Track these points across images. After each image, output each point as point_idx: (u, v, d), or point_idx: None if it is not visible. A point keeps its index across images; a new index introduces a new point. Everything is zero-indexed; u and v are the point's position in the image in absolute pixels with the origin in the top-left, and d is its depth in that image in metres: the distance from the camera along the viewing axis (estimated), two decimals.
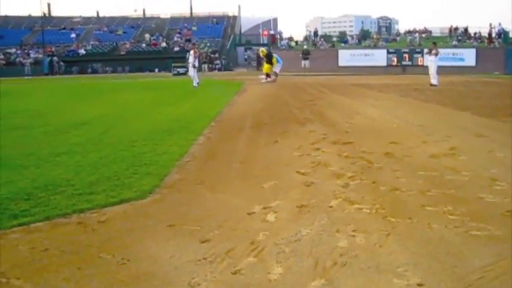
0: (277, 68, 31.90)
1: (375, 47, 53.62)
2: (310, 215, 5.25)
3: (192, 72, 28.04)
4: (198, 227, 4.90)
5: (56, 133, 11.00)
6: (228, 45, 60.71)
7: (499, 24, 51.85)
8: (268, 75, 31.32)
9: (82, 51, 59.28)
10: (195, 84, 27.31)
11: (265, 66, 31.90)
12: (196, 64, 28.54)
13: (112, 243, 4.58)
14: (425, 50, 30.64)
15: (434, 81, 26.15)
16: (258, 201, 5.71)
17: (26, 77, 48.64)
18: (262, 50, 33.28)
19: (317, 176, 6.86)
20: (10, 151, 9.01)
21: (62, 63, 56.44)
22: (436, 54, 27.20)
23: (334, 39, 69.76)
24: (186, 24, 67.66)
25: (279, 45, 57.25)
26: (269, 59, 31.72)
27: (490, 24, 52.51)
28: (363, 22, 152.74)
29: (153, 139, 9.81)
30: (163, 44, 60.82)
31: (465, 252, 4.20)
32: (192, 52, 29.45)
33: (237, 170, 7.41)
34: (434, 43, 30.04)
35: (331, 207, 5.49)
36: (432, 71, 26.81)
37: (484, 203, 5.59)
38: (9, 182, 6.70)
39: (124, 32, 65.85)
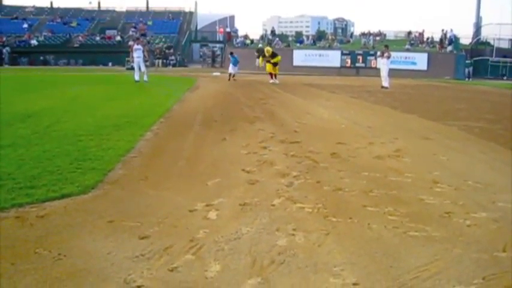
0: (233, 69, 31.31)
1: (330, 48, 54.14)
2: (252, 213, 5.27)
3: (143, 66, 27.60)
4: (138, 224, 4.86)
5: (0, 125, 10.71)
6: (183, 41, 60.38)
7: (451, 30, 53.10)
8: (273, 75, 29.72)
9: (34, 42, 57.99)
10: (144, 78, 26.97)
11: (268, 66, 29.93)
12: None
13: (49, 238, 4.49)
14: (378, 53, 30.96)
15: (385, 83, 26.59)
16: (201, 199, 5.70)
17: None
18: (268, 49, 30.89)
19: (262, 175, 6.89)
20: None
21: (14, 54, 55.08)
22: (388, 57, 27.65)
23: (290, 38, 70.09)
24: (141, 19, 67.01)
25: (234, 43, 57.22)
26: (273, 58, 29.97)
27: (442, 30, 53.75)
28: (319, 23, 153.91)
29: (100, 134, 9.67)
30: (118, 38, 60.05)
31: (402, 252, 4.28)
32: (140, 45, 28.86)
33: (182, 167, 7.37)
34: (386, 46, 30.54)
35: (273, 205, 5.52)
36: (384, 73, 27.24)
37: (424, 204, 5.71)
38: None
39: (78, 24, 64.74)
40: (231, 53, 33.33)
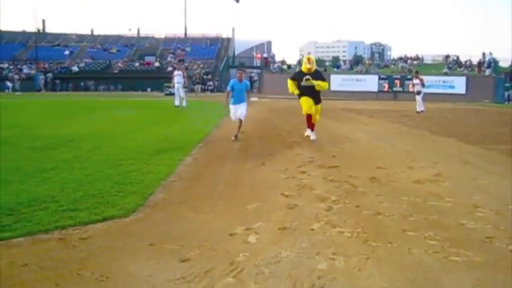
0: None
1: (367, 72, 54.01)
2: (291, 237, 5.27)
3: (182, 92, 28.04)
4: (178, 246, 4.91)
5: (44, 149, 10.97)
6: (221, 67, 60.99)
7: (490, 53, 52.39)
8: (312, 120, 14.14)
9: (75, 69, 59.37)
10: (183, 103, 27.41)
11: (306, 102, 13.85)
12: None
13: (92, 260, 4.58)
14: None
15: (419, 108, 26.38)
16: (241, 223, 5.73)
17: (17, 93, 48.51)
18: (309, 58, 14.45)
19: (301, 199, 6.90)
20: None
21: (57, 80, 56.45)
22: (419, 83, 27.43)
23: (327, 63, 70.20)
24: (179, 45, 68.01)
25: (271, 68, 57.53)
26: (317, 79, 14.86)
27: (483, 54, 53.00)
28: (356, 48, 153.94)
29: (140, 158, 9.82)
30: (157, 64, 61.01)
31: (443, 277, 4.24)
32: (179, 71, 29.46)
33: (221, 191, 7.43)
34: (417, 72, 30.33)
35: (312, 230, 5.52)
36: (417, 98, 27.08)
37: (464, 229, 5.63)
38: None
39: (118, 51, 66.09)
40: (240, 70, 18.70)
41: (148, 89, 55.33)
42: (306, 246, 4.97)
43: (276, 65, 59.49)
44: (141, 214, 6.14)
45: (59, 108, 26.57)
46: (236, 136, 13.34)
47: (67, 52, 64.05)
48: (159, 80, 51.91)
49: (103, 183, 7.61)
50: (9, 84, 52.86)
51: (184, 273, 4.26)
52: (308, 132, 13.64)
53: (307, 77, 13.32)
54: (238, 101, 13.48)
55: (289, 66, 59.10)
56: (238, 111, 13.46)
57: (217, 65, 61.89)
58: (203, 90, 53.14)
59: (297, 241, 5.13)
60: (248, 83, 14.45)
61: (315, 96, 13.55)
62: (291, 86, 13.90)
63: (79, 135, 13.60)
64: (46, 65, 58.95)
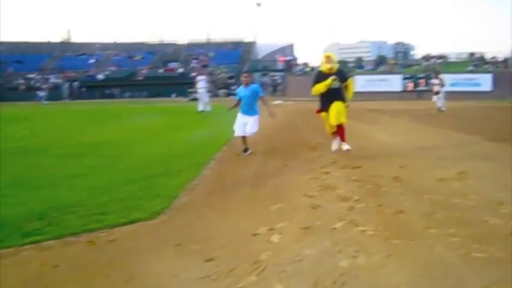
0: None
1: (391, 72, 53.75)
2: (313, 236, 5.35)
3: (206, 97, 28.26)
4: (203, 247, 5.03)
5: (71, 156, 11.23)
6: (244, 71, 61.20)
7: None
8: (341, 131, 11.49)
9: (100, 77, 60.10)
10: (208, 108, 27.64)
11: (335, 109, 11.11)
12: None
13: (119, 261, 4.73)
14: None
15: (440, 105, 26.23)
16: (264, 223, 5.82)
17: (45, 102, 49.26)
18: (328, 55, 11.70)
19: (324, 199, 6.96)
20: (26, 173, 9.27)
21: (83, 89, 57.24)
22: (439, 83, 27.27)
23: (351, 64, 69.97)
24: (202, 50, 68.42)
25: (294, 71, 57.58)
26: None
27: None
28: (379, 48, 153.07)
29: (165, 162, 10.00)
30: (180, 70, 61.44)
31: (465, 273, 4.27)
32: (202, 76, 29.67)
33: (244, 193, 7.53)
34: (436, 72, 30.15)
35: (335, 229, 5.59)
36: (435, 98, 26.99)
37: (488, 225, 5.64)
38: (24, 202, 6.93)
39: (142, 58, 66.70)
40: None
41: (173, 95, 55.74)
42: (328, 245, 5.04)
43: (299, 68, 59.53)
44: (167, 216, 6.28)
45: (85, 116, 26.97)
46: (246, 150, 11.28)
47: (92, 61, 64.91)
48: (183, 86, 52.27)
49: (129, 188, 7.77)
50: (40, 94, 53.60)
51: (208, 272, 4.38)
52: (341, 143, 11.06)
53: (333, 77, 10.93)
54: (246, 111, 11.40)
55: (312, 69, 59.08)
56: (244, 124, 11.34)
57: (240, 69, 62.13)
58: (227, 95, 53.39)
59: (320, 240, 5.21)
60: (257, 87, 11.78)
61: (341, 96, 11.13)
62: (319, 88, 11.05)
63: (105, 142, 13.84)
64: (72, 74, 59.77)
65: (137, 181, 8.29)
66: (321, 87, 11.06)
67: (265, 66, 64.25)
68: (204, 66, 60.24)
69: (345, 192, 7.33)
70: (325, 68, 11.17)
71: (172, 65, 63.79)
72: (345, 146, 10.90)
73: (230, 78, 58.80)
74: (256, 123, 11.38)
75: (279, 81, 58.74)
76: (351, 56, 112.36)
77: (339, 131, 11.04)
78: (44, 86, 55.84)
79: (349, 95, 11.26)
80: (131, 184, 8.07)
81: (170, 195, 7.26)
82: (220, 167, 9.78)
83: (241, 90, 11.55)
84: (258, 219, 6.05)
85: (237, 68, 62.36)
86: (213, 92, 40.28)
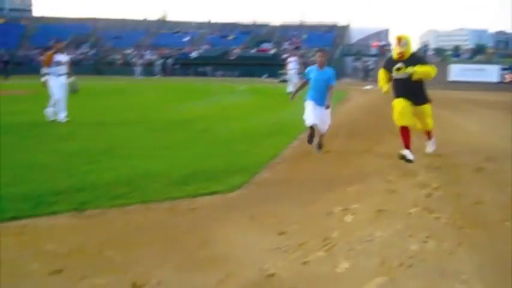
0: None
1: (488, 62, 51.70)
2: (387, 219, 5.41)
3: (296, 79, 28.33)
4: (277, 221, 5.21)
5: (160, 129, 11.77)
6: (336, 55, 60.71)
7: None
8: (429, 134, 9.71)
9: (194, 55, 61.30)
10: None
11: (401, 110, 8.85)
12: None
13: (197, 228, 5.01)
14: None
15: None
16: (339, 203, 5.94)
17: (139, 77, 50.92)
18: (403, 37, 9.05)
19: (402, 185, 6.98)
20: (117, 143, 9.80)
21: (176, 66, 58.66)
22: None
23: (448, 52, 67.80)
24: (295, 32, 68.31)
25: (387, 56, 56.51)
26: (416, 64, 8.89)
27: None
28: (478, 36, 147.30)
29: (250, 140, 10.25)
30: (273, 51, 61.71)
31: None
32: (294, 58, 29.65)
33: (324, 173, 7.66)
34: None
35: (409, 214, 5.63)
36: None
37: None
38: (113, 169, 7.39)
39: (235, 38, 67.42)
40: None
41: (264, 76, 56.10)
42: (400, 229, 5.10)
43: (392, 54, 58.35)
44: (246, 190, 6.52)
45: (177, 92, 27.73)
46: (319, 145, 9.45)
47: (186, 39, 66.24)
48: (275, 67, 52.42)
49: (212, 162, 8.08)
50: (137, 69, 55.35)
51: (279, 244, 4.56)
52: (405, 152, 8.56)
53: (399, 65, 8.72)
54: (317, 99, 9.37)
55: None
56: (317, 114, 9.28)
57: (332, 53, 61.69)
58: None
59: (392, 223, 5.27)
60: (333, 72, 9.59)
61: (416, 92, 8.86)
62: (380, 78, 9.35)
63: (194, 117, 14.29)
64: (166, 51, 61.34)
65: (221, 156, 8.59)
66: (381, 82, 9.23)
67: (358, 51, 63.27)
68: (296, 48, 60.11)
69: (425, 179, 7.31)
70: (395, 53, 9.02)
71: (264, 45, 64.07)
72: (406, 154, 8.50)
73: None
74: (328, 115, 9.50)
75: (371, 66, 57.76)
76: (448, 44, 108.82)
77: (402, 134, 8.77)
78: (139, 62, 57.58)
79: (421, 72, 8.59)
80: (215, 158, 8.38)
81: (251, 171, 7.49)
82: (303, 147, 9.90)
83: (314, 72, 9.47)
84: (333, 199, 6.17)
85: (329, 51, 61.86)
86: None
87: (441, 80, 41.90)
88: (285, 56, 46.68)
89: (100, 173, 7.16)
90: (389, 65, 9.02)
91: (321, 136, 9.52)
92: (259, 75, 55.79)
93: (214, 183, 6.68)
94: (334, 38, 65.70)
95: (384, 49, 57.63)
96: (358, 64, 59.41)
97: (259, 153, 8.92)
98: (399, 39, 8.92)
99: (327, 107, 9.35)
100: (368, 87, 38.70)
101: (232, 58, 60.98)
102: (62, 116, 12.82)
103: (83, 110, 14.32)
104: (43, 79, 12.98)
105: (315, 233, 4.89)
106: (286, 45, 63.49)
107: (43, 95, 13.53)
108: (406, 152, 8.51)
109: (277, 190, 6.62)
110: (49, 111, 12.88)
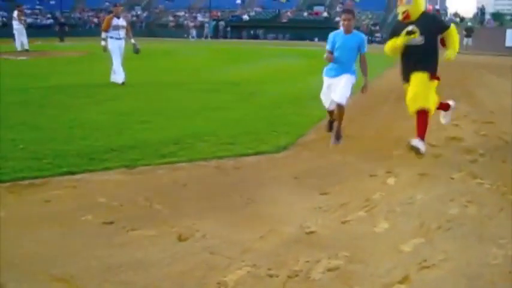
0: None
1: None
2: (429, 183, 5.48)
3: None
4: (320, 182, 5.36)
5: (209, 91, 11.97)
6: (389, 19, 59.54)
7: None
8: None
9: (246, 17, 61.13)
10: None
11: (418, 81, 6.72)
12: None
13: (242, 186, 5.22)
14: None
15: None
16: (383, 166, 6.02)
17: (191, 39, 51.21)
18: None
19: (447, 150, 7.00)
20: (166, 104, 10.07)
21: (228, 28, 58.69)
22: None
23: (508, 17, 65.50)
24: None
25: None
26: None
27: None
28: None
29: (298, 103, 10.34)
30: (325, 14, 60.98)
31: None
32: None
33: (370, 137, 7.72)
34: None
35: (452, 178, 5.67)
36: None
37: None
38: (162, 129, 7.66)
39: (287, 0, 66.82)
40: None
41: (316, 39, 55.57)
42: (441, 193, 5.16)
43: (447, 18, 56.89)
44: (291, 151, 6.67)
45: (229, 54, 27.84)
46: (337, 136, 7.17)
47: (239, 1, 66.02)
48: (327, 30, 51.76)
49: (259, 123, 8.25)
50: (192, 31, 55.54)
51: (321, 203, 4.71)
52: (415, 142, 6.51)
53: (410, 28, 6.67)
54: (336, 71, 7.29)
55: (462, 19, 56.19)
56: (332, 89, 7.30)
57: (386, 17, 60.50)
58: (370, 42, 52.44)
59: (434, 187, 5.34)
60: (363, 37, 7.53)
61: (420, 64, 6.68)
62: (386, 47, 7.12)
63: (243, 79, 14.43)
64: (219, 14, 61.35)
65: (268, 117, 8.74)
66: (389, 46, 7.06)
67: None
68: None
69: (471, 145, 7.30)
70: (400, 12, 6.84)
71: (317, 8, 63.33)
72: (416, 143, 6.49)
73: (374, 25, 57.49)
74: (349, 84, 7.28)
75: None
76: (508, 9, 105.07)
77: (419, 120, 6.74)
78: (192, 24, 57.79)
79: (450, 51, 6.65)
80: (262, 119, 8.54)
81: (297, 133, 7.63)
82: (350, 110, 9.90)
83: (339, 37, 7.30)
84: (378, 162, 6.24)
85: (383, 15, 60.73)
86: None
87: (498, 46, 40.82)
88: (337, 19, 46.06)
89: (150, 132, 7.44)
90: (398, 29, 6.85)
91: (337, 118, 7.33)
92: (311, 39, 55.29)
93: (261, 144, 6.86)
94: (388, 1, 64.21)
95: (439, 13, 56.17)
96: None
97: (307, 116, 9.02)
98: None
99: (365, 90, 7.48)
100: None
101: (284, 21, 60.55)
102: (119, 78, 13.00)
103: (135, 71, 14.61)
104: (103, 43, 13.19)
105: (356, 194, 5.01)
106: (338, 8, 62.56)
107: (97, 57, 13.91)
108: (417, 143, 6.52)
109: (321, 152, 6.73)
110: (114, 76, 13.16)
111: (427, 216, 4.46)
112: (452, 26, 6.85)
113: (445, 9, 61.92)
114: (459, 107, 10.44)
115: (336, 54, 7.23)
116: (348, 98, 7.24)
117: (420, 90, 6.62)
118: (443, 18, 52.31)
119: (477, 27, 45.66)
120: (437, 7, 58.98)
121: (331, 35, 7.43)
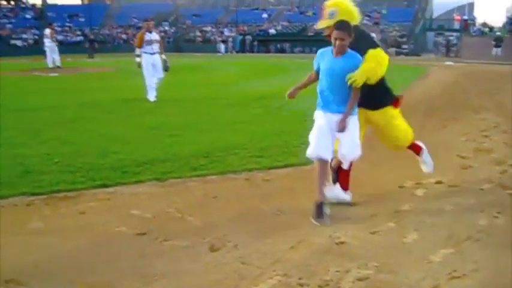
0: None
1: None
2: (458, 194, 5.49)
3: None
4: (350, 192, 5.36)
5: (237, 105, 12.12)
6: (417, 30, 59.28)
7: None
8: None
9: (272, 31, 61.43)
10: None
11: None
12: None
13: (271, 198, 5.32)
14: None
15: None
16: (412, 177, 6.04)
17: (218, 54, 51.59)
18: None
19: (477, 161, 6.98)
20: (196, 117, 10.23)
21: (255, 42, 59.06)
22: None
23: None
24: (375, 7, 67.10)
25: (471, 31, 54.69)
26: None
27: None
28: None
29: None
30: None
31: None
32: (373, 34, 29.41)
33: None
34: None
35: (482, 189, 5.67)
36: None
37: None
38: (193, 142, 7.80)
39: (313, 14, 66.94)
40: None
41: None
42: (471, 204, 5.17)
43: (476, 28, 56.44)
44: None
45: (256, 68, 28.00)
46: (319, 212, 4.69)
47: (265, 15, 66.40)
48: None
49: (288, 136, 8.33)
50: (220, 46, 56.05)
51: (350, 214, 4.79)
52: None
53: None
54: (331, 105, 5.29)
55: (491, 29, 55.66)
56: (331, 134, 5.16)
57: (413, 28, 60.23)
58: (397, 54, 52.20)
59: (464, 198, 5.34)
60: (359, 62, 5.03)
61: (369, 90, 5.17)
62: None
63: (271, 93, 14.49)
64: (245, 28, 61.78)
65: (296, 130, 8.75)
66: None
67: (440, 26, 61.47)
68: (376, 23, 59.20)
69: (501, 156, 7.25)
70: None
71: None
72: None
73: (401, 37, 57.24)
74: (355, 134, 5.22)
75: (453, 41, 56.09)
76: None
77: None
78: (219, 39, 58.29)
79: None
80: (290, 133, 8.61)
81: None
82: None
83: (328, 59, 5.28)
84: (406, 173, 6.24)
85: (410, 27, 60.46)
86: (383, 50, 39.63)
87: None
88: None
89: (181, 145, 7.57)
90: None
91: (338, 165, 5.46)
92: None
93: (290, 157, 6.95)
94: (415, 13, 63.97)
95: (468, 23, 55.76)
96: (440, 39, 57.69)
97: None
98: (325, 8, 5.58)
99: (342, 123, 5.05)
100: (449, 63, 37.66)
101: (310, 34, 60.67)
102: (151, 96, 12.94)
103: (164, 86, 14.81)
104: (137, 59, 13.04)
105: (386, 205, 5.06)
106: (365, 20, 62.47)
107: (126, 73, 14.12)
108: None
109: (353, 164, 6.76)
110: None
111: (457, 227, 4.47)
112: (372, 50, 5.33)
113: (473, 19, 61.38)
114: (489, 117, 10.45)
115: (323, 81, 5.32)
116: (358, 152, 5.26)
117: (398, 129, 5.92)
118: (472, 28, 51.93)
119: (506, 37, 45.24)
120: (466, 17, 58.46)
121: (319, 52, 5.56)
